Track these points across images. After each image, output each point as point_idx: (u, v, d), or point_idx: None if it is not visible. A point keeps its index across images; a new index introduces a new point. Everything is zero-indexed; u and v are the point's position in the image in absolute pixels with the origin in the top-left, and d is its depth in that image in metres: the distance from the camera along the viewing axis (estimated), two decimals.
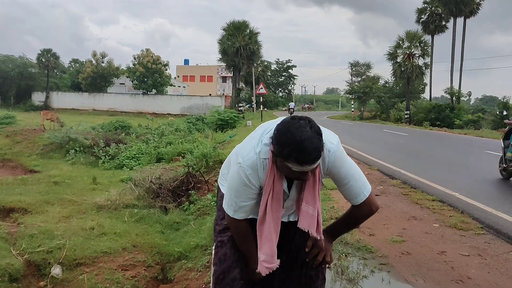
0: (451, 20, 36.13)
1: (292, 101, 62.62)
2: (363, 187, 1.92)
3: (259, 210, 1.89)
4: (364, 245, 3.89)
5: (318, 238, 1.91)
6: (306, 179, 1.77)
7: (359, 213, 1.97)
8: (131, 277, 4.76)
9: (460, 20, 35.95)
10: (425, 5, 38.00)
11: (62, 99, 48.12)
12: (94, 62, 49.82)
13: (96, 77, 49.08)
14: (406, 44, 34.05)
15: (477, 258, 3.70)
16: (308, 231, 1.87)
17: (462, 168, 9.17)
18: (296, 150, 1.62)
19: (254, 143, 1.86)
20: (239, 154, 1.89)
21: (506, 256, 3.70)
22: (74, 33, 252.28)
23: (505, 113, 11.47)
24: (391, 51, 34.47)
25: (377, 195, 6.01)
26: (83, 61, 57.36)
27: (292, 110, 41.46)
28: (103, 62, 50.29)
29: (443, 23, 37.52)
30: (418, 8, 38.27)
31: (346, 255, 3.64)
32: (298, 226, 1.89)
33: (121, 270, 4.82)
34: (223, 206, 1.98)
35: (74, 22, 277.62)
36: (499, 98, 35.95)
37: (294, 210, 2.01)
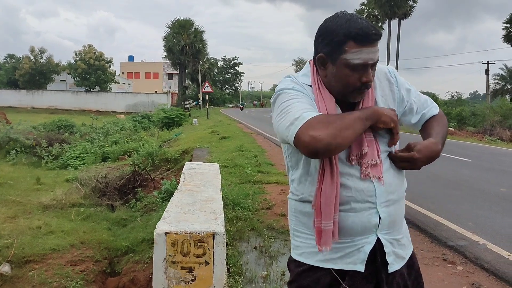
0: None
1: (239, 98, 63.44)
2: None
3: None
4: (287, 229, 4.46)
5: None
6: (370, 79, 1.36)
7: (442, 119, 1.61)
8: (80, 271, 4.88)
9: (396, 22, 38.27)
10: (363, 6, 40.05)
11: None
12: (32, 58, 47.65)
13: (35, 74, 47.00)
14: None
15: None
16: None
17: None
18: (353, 24, 1.32)
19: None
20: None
21: None
22: (9, 26, 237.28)
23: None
24: None
25: None
26: (20, 57, 54.57)
27: (242, 107, 44.39)
28: (41, 58, 48.23)
29: (380, 24, 39.69)
30: (356, 9, 40.26)
31: (270, 238, 4.25)
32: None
33: (70, 265, 4.95)
34: (283, 135, 1.35)
35: (9, 14, 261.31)
36: (435, 94, 38.54)
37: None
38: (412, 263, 1.53)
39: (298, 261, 1.49)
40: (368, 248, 1.39)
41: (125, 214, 6.97)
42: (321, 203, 1.36)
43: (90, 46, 46.64)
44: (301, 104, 1.34)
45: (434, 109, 1.60)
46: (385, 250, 1.40)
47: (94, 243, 5.63)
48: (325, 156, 1.32)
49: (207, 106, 32.47)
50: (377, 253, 1.40)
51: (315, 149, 1.26)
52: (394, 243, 1.44)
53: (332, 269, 1.42)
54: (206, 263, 2.41)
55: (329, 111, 1.37)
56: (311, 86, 1.43)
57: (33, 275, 4.71)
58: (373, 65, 1.37)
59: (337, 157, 1.36)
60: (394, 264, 1.43)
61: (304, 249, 1.48)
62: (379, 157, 1.40)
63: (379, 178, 1.39)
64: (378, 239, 1.40)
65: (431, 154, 1.43)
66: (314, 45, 1.44)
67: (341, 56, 1.33)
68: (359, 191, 1.37)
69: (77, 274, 4.85)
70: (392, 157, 1.44)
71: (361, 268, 1.39)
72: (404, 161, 1.42)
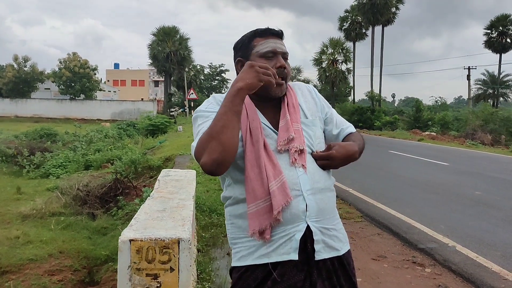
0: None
1: None
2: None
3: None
4: None
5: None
6: (283, 64, 1.52)
7: (358, 136, 1.74)
8: (58, 281, 4.87)
9: (379, 28, 38.79)
10: (347, 13, 40.45)
11: None
12: (15, 66, 47.10)
13: (18, 82, 46.39)
14: (330, 50, 36.11)
15: (349, 239, 4.55)
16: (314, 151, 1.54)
17: (360, 166, 10.20)
18: (258, 28, 1.59)
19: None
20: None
21: (371, 238, 4.61)
22: None
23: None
24: (317, 57, 36.36)
25: None
26: (3, 65, 53.88)
27: None
28: (25, 67, 47.69)
29: (363, 30, 40.17)
30: (340, 16, 40.72)
31: None
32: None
33: (48, 275, 4.93)
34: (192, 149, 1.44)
35: None
36: (419, 99, 39.19)
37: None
38: (345, 263, 1.55)
39: (237, 266, 1.52)
40: (299, 235, 1.43)
41: (106, 223, 6.94)
42: (249, 188, 1.43)
43: (74, 54, 46.28)
44: (205, 129, 1.43)
45: (352, 128, 1.77)
46: (314, 237, 1.44)
47: (73, 252, 5.60)
48: (224, 170, 1.40)
49: (192, 113, 32.44)
50: (308, 241, 1.44)
51: (210, 173, 1.39)
52: (324, 232, 1.48)
53: (268, 263, 1.44)
54: (172, 269, 2.44)
55: (249, 115, 1.50)
56: None
57: (9, 286, 4.68)
58: (283, 55, 1.56)
59: (261, 148, 1.44)
60: (322, 252, 1.46)
61: (242, 252, 1.50)
62: (305, 145, 1.51)
63: (303, 165, 1.47)
64: (308, 227, 1.44)
65: (348, 154, 1.54)
66: (233, 60, 1.63)
67: (252, 51, 1.54)
68: (286, 178, 1.44)
69: (55, 284, 4.83)
70: (313, 156, 1.53)
71: (294, 256, 1.42)
72: (324, 159, 1.52)
